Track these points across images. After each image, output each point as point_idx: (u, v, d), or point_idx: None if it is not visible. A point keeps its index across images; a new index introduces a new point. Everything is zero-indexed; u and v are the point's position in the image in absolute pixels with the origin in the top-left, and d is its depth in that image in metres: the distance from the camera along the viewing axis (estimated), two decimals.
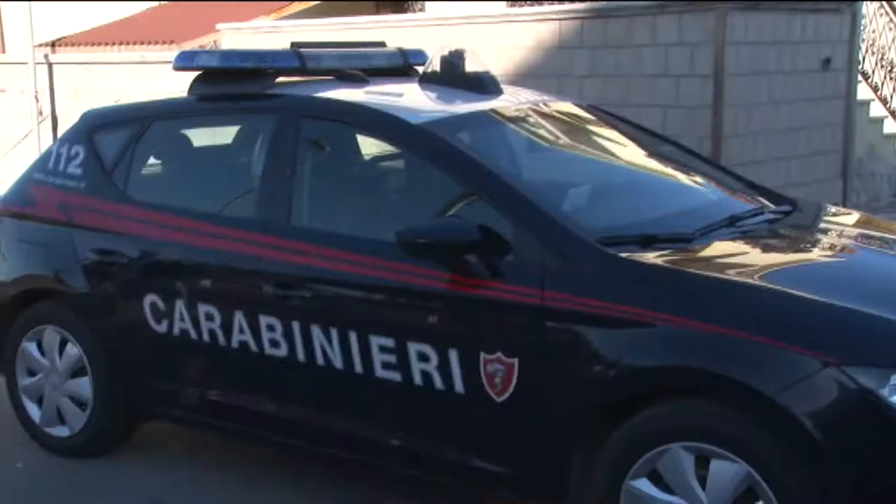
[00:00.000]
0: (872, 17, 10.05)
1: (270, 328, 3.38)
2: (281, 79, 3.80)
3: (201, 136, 4.15)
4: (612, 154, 3.96)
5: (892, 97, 10.43)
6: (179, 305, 3.60)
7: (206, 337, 3.55)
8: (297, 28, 9.58)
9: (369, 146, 3.85)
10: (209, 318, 3.53)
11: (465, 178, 3.18)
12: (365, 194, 3.72)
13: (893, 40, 10.34)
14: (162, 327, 3.67)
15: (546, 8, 8.61)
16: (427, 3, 11.92)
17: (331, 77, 3.86)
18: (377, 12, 12.08)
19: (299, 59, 3.75)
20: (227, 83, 3.77)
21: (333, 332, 3.24)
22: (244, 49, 4.07)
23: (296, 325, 3.32)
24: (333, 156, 3.65)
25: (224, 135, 4.14)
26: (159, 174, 4.11)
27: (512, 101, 3.87)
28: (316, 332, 3.28)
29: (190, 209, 3.70)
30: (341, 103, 3.58)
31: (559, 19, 7.97)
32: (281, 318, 3.35)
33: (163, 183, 4.08)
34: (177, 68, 3.86)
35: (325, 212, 3.52)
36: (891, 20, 10.29)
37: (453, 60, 3.82)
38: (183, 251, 3.67)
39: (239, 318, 3.46)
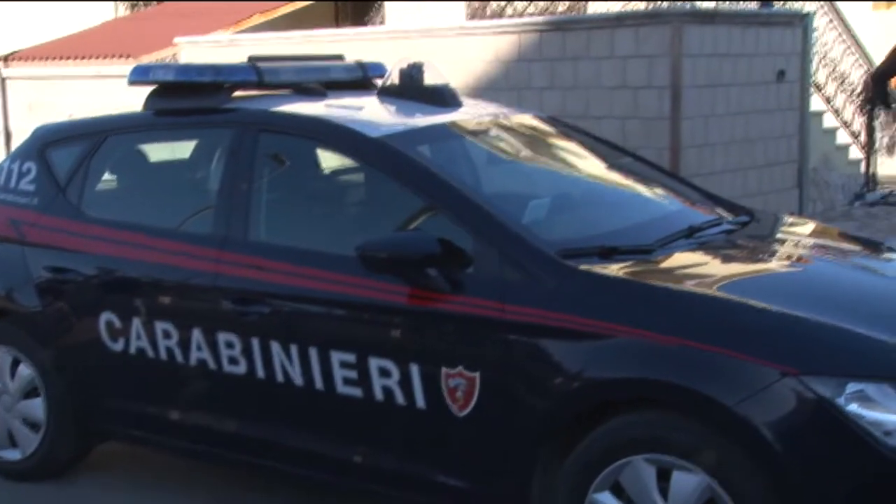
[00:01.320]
0: (823, 30, 10.23)
1: (229, 345, 3.34)
2: (238, 93, 3.77)
3: (158, 151, 4.10)
4: (573, 166, 3.97)
5: (844, 108, 10.62)
6: (136, 323, 3.55)
7: (163, 355, 3.50)
8: (255, 41, 9.54)
9: (330, 159, 3.83)
10: (166, 335, 3.48)
11: (424, 191, 3.17)
12: (324, 208, 3.69)
13: (843, 53, 10.54)
14: (118, 346, 3.60)
15: (505, 21, 8.65)
16: (388, 4, 11.88)
17: (289, 91, 3.84)
18: (337, 25, 12.07)
19: (257, 72, 3.72)
20: (184, 97, 3.73)
21: (293, 349, 3.20)
22: (201, 63, 4.03)
23: (255, 342, 3.28)
24: (292, 170, 3.61)
25: (181, 149, 4.10)
26: (114, 190, 4.05)
27: (472, 113, 3.87)
28: (275, 348, 3.24)
29: (146, 225, 3.65)
30: (299, 117, 3.55)
31: (518, 32, 8.01)
32: (240, 334, 3.31)
33: (118, 199, 4.02)
34: (132, 82, 3.82)
35: (284, 227, 3.49)
36: (840, 34, 10.49)
37: (412, 73, 3.81)
38: (139, 268, 3.61)
39: (197, 335, 3.41)
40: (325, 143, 3.54)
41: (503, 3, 10.85)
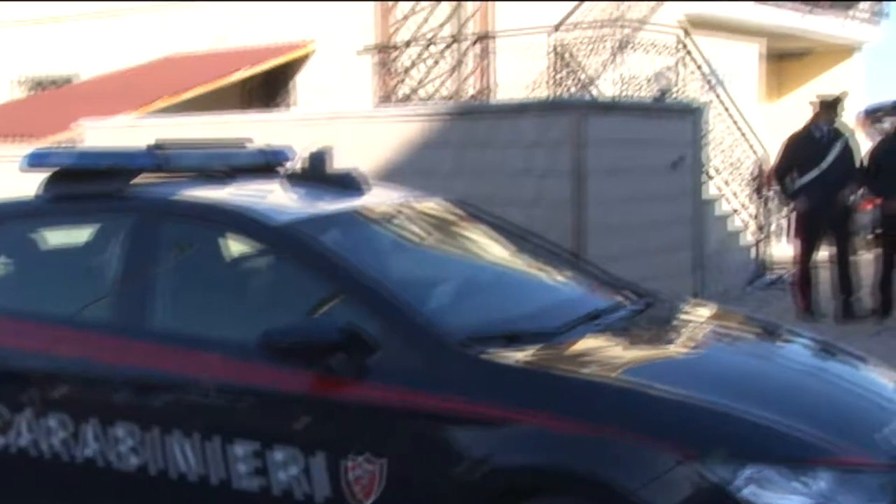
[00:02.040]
0: (715, 120, 10.74)
1: (124, 438, 3.21)
2: (141, 178, 3.71)
3: (56, 238, 3.99)
4: (479, 251, 4.01)
5: (737, 195, 11.08)
6: (23, 417, 3.38)
7: (52, 451, 3.33)
8: (161, 125, 9.46)
9: (236, 245, 3.78)
10: (57, 429, 3.32)
11: (330, 278, 3.15)
12: (227, 295, 3.62)
13: (735, 142, 11.05)
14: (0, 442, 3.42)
15: (412, 108, 8.81)
16: (298, 88, 11.98)
17: (193, 176, 3.80)
18: (245, 109, 12.08)
19: (159, 157, 3.68)
20: (84, 182, 3.65)
21: (192, 440, 3.10)
22: (101, 147, 3.97)
23: (151, 435, 3.16)
24: (194, 256, 3.56)
25: (80, 236, 3.99)
26: (8, 277, 3.91)
27: (380, 199, 3.89)
28: (173, 440, 3.13)
29: (42, 314, 3.53)
30: (202, 203, 3.51)
31: (425, 119, 8.16)
32: (136, 426, 3.19)
33: (11, 286, 3.87)
34: (30, 167, 3.72)
35: (186, 314, 3.41)
36: (731, 124, 11.02)
37: (320, 158, 3.83)
38: (30, 359, 3.47)
39: (90, 428, 3.27)
40: (229, 229, 3.50)
41: (409, 92, 11.06)
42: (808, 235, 8.12)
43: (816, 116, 8.13)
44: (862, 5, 15.77)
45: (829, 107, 8.10)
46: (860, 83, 16.83)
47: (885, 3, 16.13)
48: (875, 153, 8.21)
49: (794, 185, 8.07)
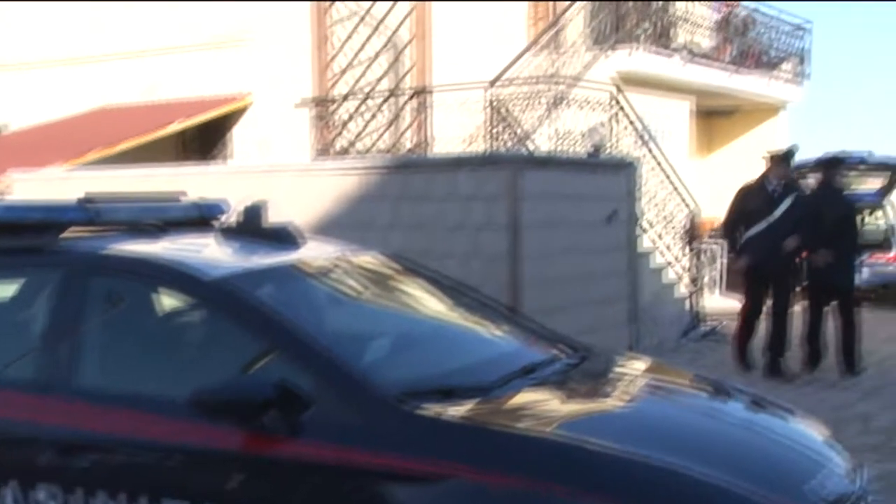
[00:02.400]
0: (649, 174, 10.96)
1: (45, 502, 3.10)
2: (71, 231, 3.64)
3: None
4: (415, 305, 4.01)
5: (671, 247, 11.29)
6: None
7: None
8: (93, 177, 9.32)
9: (169, 300, 3.72)
10: None
11: (263, 333, 3.11)
12: (158, 352, 3.55)
13: (668, 196, 11.29)
14: None
15: (349, 162, 8.83)
16: (235, 141, 11.93)
17: (124, 229, 3.74)
18: (181, 162, 11.98)
19: (90, 211, 3.62)
20: (11, 236, 3.56)
21: (117, 503, 3.01)
22: (30, 201, 3.88)
23: (74, 497, 3.06)
24: (124, 312, 3.48)
25: (6, 291, 3.88)
26: None
27: (315, 253, 3.87)
28: (96, 503, 3.03)
29: None
30: (133, 257, 3.45)
31: (362, 173, 8.18)
32: (58, 488, 3.09)
33: None
34: None
35: (115, 371, 3.33)
36: (664, 178, 11.26)
37: (255, 212, 3.80)
38: None
39: (9, 492, 3.15)
40: (160, 284, 3.44)
41: (347, 145, 11.10)
42: (753, 288, 8.20)
43: (769, 170, 8.26)
44: (785, 66, 16.37)
45: (781, 160, 8.22)
46: (784, 140, 17.41)
47: (805, 65, 16.78)
48: None
49: (742, 240, 8.14)
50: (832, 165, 8.55)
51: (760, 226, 8.04)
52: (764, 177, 8.29)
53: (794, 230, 7.99)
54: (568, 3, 13.01)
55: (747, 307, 8.30)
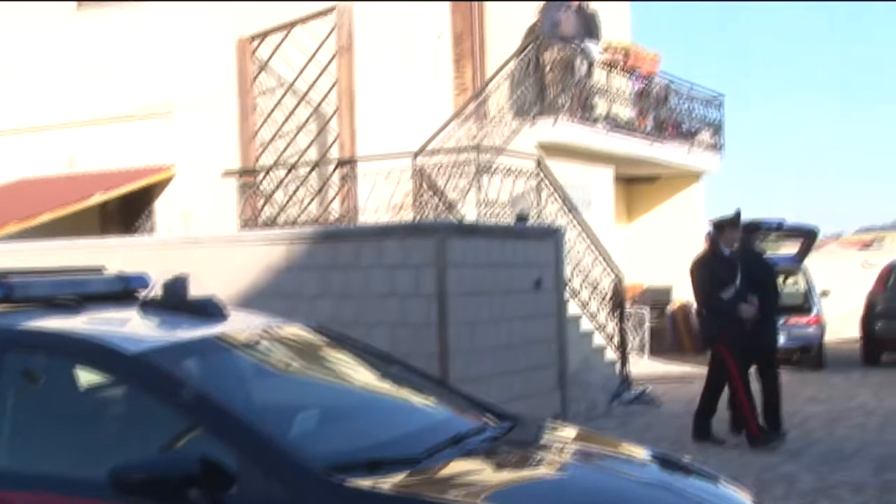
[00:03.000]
0: (574, 241, 11.14)
1: None
2: None
3: None
4: (342, 376, 3.97)
5: (598, 313, 11.43)
6: None
7: None
8: (10, 251, 9.08)
9: (89, 376, 3.61)
10: None
11: (186, 408, 3.04)
12: (77, 430, 3.43)
13: (593, 262, 11.47)
14: None
15: (276, 232, 8.78)
16: (157, 213, 11.77)
17: (41, 304, 3.64)
18: (103, 234, 11.76)
19: (5, 286, 3.52)
20: None
21: None
22: None
23: None
24: (40, 389, 3.37)
25: None
26: None
27: (240, 325, 3.83)
28: None
29: None
30: (49, 332, 3.36)
31: (289, 243, 8.14)
32: None
33: None
34: None
35: (30, 452, 3.21)
36: (589, 245, 11.46)
37: (177, 285, 3.75)
38: None
39: None
40: (79, 360, 3.35)
41: (273, 215, 11.05)
42: (734, 352, 8.02)
43: (718, 238, 8.24)
44: (702, 136, 16.92)
45: (731, 225, 8.21)
46: (702, 207, 17.92)
47: (720, 136, 17.40)
48: None
49: (725, 298, 7.91)
50: (751, 230, 8.75)
51: (729, 291, 7.98)
52: (715, 245, 8.28)
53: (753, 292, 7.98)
54: (491, 74, 13.30)
55: (736, 373, 8.00)
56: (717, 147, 17.47)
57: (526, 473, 3.32)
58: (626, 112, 14.72)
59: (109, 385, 3.48)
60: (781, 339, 13.85)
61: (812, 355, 14.01)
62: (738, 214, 8.31)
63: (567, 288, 10.06)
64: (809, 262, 15.44)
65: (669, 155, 15.94)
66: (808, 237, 15.02)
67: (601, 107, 13.90)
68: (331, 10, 10.68)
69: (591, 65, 13.80)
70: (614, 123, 14.04)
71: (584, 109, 13.47)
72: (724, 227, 8.27)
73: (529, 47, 12.96)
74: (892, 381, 12.25)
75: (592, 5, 14.28)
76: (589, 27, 14.08)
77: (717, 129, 17.49)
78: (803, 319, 14.01)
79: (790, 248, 16.27)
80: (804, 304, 14.52)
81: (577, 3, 14.13)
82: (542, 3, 14.29)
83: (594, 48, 14.01)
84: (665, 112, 15.78)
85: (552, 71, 13.05)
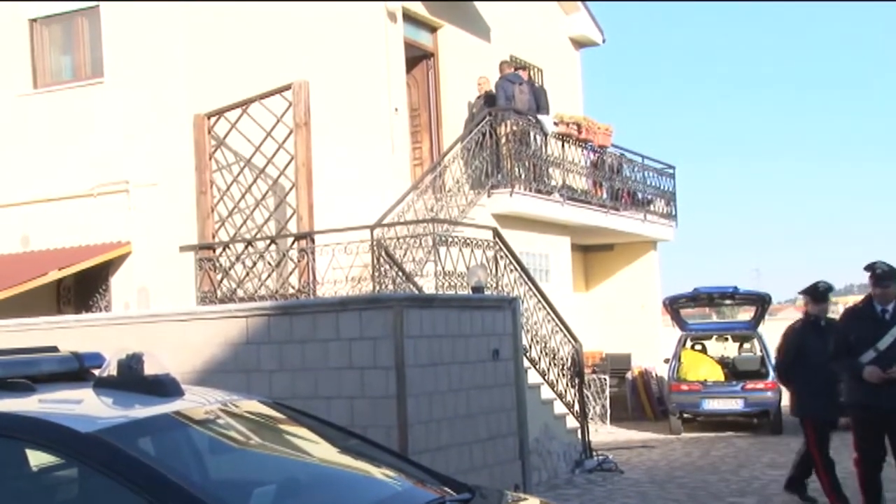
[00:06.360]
0: (532, 310, 11.21)
1: None
2: None
3: None
4: (300, 451, 3.96)
5: (557, 381, 11.46)
6: None
7: None
8: None
9: (43, 457, 3.56)
10: None
11: (142, 487, 3.01)
12: None
13: (552, 331, 11.54)
14: None
15: (233, 306, 8.75)
16: (113, 290, 11.67)
17: None
18: (59, 311, 11.62)
19: None
20: None
21: None
22: None
23: None
24: None
25: None
26: None
27: (196, 402, 3.81)
28: None
29: None
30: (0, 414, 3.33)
31: (246, 317, 8.12)
32: None
33: None
34: None
35: None
36: (548, 314, 11.53)
37: (131, 363, 3.73)
38: None
39: None
40: (31, 441, 3.30)
41: (231, 290, 11.01)
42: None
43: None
44: (656, 205, 17.28)
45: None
46: (658, 274, 18.19)
47: (672, 205, 17.78)
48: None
49: (853, 362, 7.22)
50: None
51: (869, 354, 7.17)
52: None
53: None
54: (448, 147, 13.52)
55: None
56: (670, 216, 17.83)
57: None
58: (581, 182, 15.00)
59: (62, 466, 3.43)
60: (740, 405, 14.06)
61: (771, 420, 14.12)
62: (827, 286, 8.45)
63: (525, 357, 10.09)
64: (765, 327, 15.67)
65: (625, 224, 16.22)
66: (761, 303, 15.29)
67: (557, 177, 14.16)
68: (287, 87, 10.84)
69: (545, 136, 14.09)
70: (570, 194, 14.30)
71: (539, 180, 13.71)
72: (815, 299, 8.39)
73: (485, 120, 13.22)
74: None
75: (539, 81, 14.65)
76: (539, 101, 14.43)
77: (669, 198, 17.88)
78: (760, 384, 14.16)
79: (746, 314, 16.51)
80: (760, 370, 14.69)
81: (528, 77, 14.49)
82: (485, 77, 14.66)
83: (548, 121, 14.33)
84: (619, 182, 16.11)
85: (508, 143, 13.31)
